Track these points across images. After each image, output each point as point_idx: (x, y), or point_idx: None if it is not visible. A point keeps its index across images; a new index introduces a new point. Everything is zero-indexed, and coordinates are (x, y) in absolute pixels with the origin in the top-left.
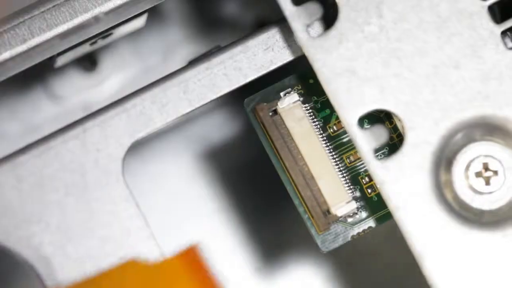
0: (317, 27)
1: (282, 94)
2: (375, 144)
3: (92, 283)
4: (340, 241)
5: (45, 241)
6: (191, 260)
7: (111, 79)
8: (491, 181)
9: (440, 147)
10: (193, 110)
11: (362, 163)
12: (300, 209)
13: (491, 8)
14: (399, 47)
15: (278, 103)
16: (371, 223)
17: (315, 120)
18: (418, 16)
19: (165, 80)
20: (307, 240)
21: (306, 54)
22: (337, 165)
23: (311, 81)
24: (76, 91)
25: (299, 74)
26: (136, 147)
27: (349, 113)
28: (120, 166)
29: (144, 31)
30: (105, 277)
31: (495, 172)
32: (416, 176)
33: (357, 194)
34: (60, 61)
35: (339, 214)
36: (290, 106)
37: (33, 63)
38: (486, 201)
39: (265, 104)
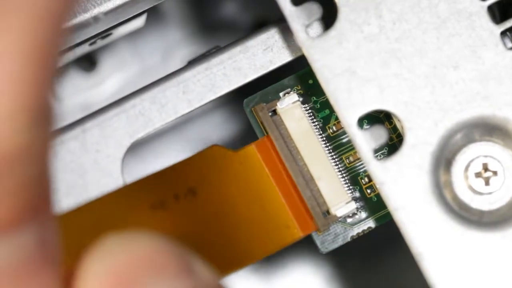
0: (317, 28)
1: (281, 94)
2: (374, 144)
3: (179, 167)
4: (339, 242)
5: None
6: (266, 149)
7: (111, 79)
8: (491, 181)
9: (440, 148)
10: (192, 111)
11: (362, 164)
12: None
13: (490, 8)
14: (399, 47)
15: (278, 103)
16: (370, 223)
17: (314, 120)
18: (417, 16)
19: (165, 81)
20: (306, 240)
21: (306, 54)
22: (336, 165)
23: (310, 81)
24: (75, 92)
25: (299, 75)
26: (136, 148)
27: (349, 114)
28: (119, 166)
29: (143, 31)
30: (189, 162)
31: (495, 173)
32: (415, 176)
33: (357, 194)
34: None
35: (338, 215)
36: (290, 106)
37: None
38: (486, 201)
39: (264, 104)
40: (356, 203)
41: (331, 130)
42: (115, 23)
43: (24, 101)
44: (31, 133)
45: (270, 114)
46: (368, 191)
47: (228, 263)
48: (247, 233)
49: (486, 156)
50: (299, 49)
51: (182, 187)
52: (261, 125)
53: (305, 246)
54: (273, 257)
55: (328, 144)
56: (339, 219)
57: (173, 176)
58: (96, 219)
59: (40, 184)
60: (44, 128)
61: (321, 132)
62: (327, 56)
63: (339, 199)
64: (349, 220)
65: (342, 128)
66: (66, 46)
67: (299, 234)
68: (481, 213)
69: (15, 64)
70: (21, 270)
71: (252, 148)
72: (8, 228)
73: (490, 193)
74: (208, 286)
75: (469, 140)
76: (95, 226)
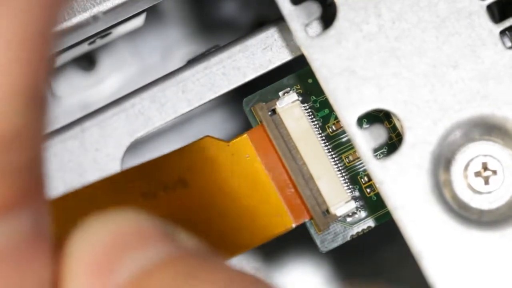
0: (316, 27)
1: (281, 93)
2: (374, 143)
3: (170, 157)
4: (339, 241)
5: None
6: (259, 138)
7: (110, 78)
8: (490, 180)
9: (439, 147)
10: (192, 110)
11: (361, 163)
12: None
13: (489, 8)
14: (398, 46)
15: (277, 103)
16: (370, 222)
17: (314, 119)
18: (416, 15)
19: (164, 80)
20: (306, 239)
21: (305, 53)
22: (336, 164)
23: (310, 80)
24: (75, 91)
25: (298, 74)
26: (135, 147)
27: (348, 113)
28: (118, 166)
29: (143, 30)
30: (181, 152)
31: (494, 172)
32: (415, 175)
33: (356, 193)
34: (59, 61)
35: (338, 214)
36: (289, 105)
37: None
38: (485, 200)
39: (264, 103)
40: (355, 202)
41: (330, 130)
42: (115, 22)
43: (18, 84)
44: (25, 117)
45: (269, 113)
46: (368, 190)
47: (219, 252)
48: (238, 223)
49: (485, 155)
50: (298, 48)
51: (173, 178)
52: (260, 124)
53: (304, 245)
54: (273, 256)
55: (327, 143)
56: (339, 218)
57: (164, 166)
58: (84, 205)
59: (33, 168)
60: (37, 112)
61: (320, 131)
62: (326, 55)
63: (339, 198)
64: (348, 219)
65: (341, 127)
66: (61, 34)
67: (291, 223)
68: (481, 212)
69: (9, 47)
70: (16, 252)
71: (245, 138)
72: (3, 211)
73: (489, 192)
74: (192, 251)
75: (468, 139)
76: (82, 213)
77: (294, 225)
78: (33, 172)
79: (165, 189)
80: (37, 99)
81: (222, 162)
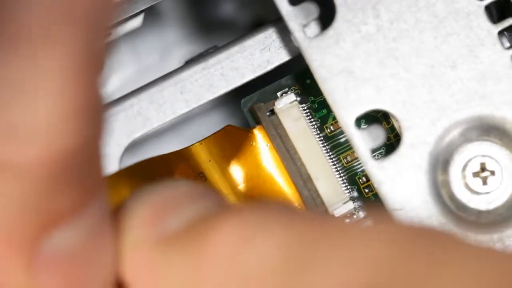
0: (314, 27)
1: (279, 94)
2: (372, 144)
3: (198, 148)
4: None
5: None
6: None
7: (108, 79)
8: (488, 181)
9: (437, 147)
10: (190, 110)
11: (359, 163)
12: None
13: (488, 8)
14: (396, 47)
15: (275, 103)
16: (368, 223)
17: (312, 120)
18: (414, 16)
19: (162, 80)
20: None
21: (303, 54)
22: (334, 165)
23: (308, 81)
24: None
25: (296, 74)
26: (133, 147)
27: (346, 113)
28: (117, 166)
29: (141, 31)
30: (206, 143)
31: (492, 172)
32: (413, 176)
33: (355, 194)
34: None
35: (336, 215)
36: (287, 106)
37: None
38: (483, 201)
39: (262, 104)
40: (354, 203)
41: (328, 130)
42: (113, 23)
43: (77, 101)
44: (86, 131)
45: (267, 114)
46: (366, 190)
47: None
48: None
49: (483, 156)
50: (297, 49)
51: (195, 171)
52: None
53: None
54: None
55: (325, 144)
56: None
57: (186, 159)
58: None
59: (96, 170)
60: (96, 123)
61: (318, 132)
62: (324, 55)
63: (337, 199)
64: (347, 220)
65: (339, 128)
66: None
67: None
68: (479, 213)
69: (63, 67)
70: (90, 247)
71: (261, 128)
72: (76, 214)
73: (487, 192)
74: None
75: (466, 139)
76: None
77: None
78: (96, 173)
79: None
80: (93, 111)
81: (244, 150)
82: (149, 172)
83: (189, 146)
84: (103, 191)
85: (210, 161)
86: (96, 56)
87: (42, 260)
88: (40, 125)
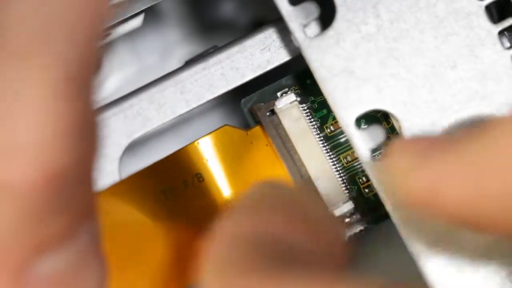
0: (314, 27)
1: (279, 94)
2: (372, 144)
3: (194, 148)
4: None
5: None
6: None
7: (108, 79)
8: None
9: None
10: (190, 110)
11: (359, 163)
12: None
13: (488, 8)
14: (396, 47)
15: (275, 103)
16: (368, 223)
17: (312, 120)
18: (415, 16)
19: (162, 80)
20: None
21: (303, 54)
22: (334, 165)
23: (308, 81)
24: None
25: (296, 74)
26: (133, 147)
27: (346, 113)
28: (117, 166)
29: (141, 31)
30: (203, 143)
31: None
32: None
33: (354, 194)
34: None
35: (336, 214)
36: (287, 106)
37: None
38: None
39: (262, 104)
40: (353, 202)
41: (328, 130)
42: (113, 23)
43: (68, 118)
44: (79, 150)
45: (268, 114)
46: (366, 190)
47: None
48: None
49: None
50: (297, 49)
51: (192, 171)
52: (258, 125)
53: None
54: None
55: (325, 144)
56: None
57: (181, 160)
58: (104, 207)
59: (89, 190)
60: (91, 140)
61: (318, 132)
62: (324, 55)
63: (337, 199)
64: (346, 219)
65: (339, 128)
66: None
67: None
68: None
69: (52, 81)
70: (77, 273)
71: (258, 129)
72: (67, 238)
73: None
74: None
75: None
76: (104, 213)
77: None
78: (88, 195)
79: (184, 184)
80: (86, 128)
81: (241, 150)
82: (147, 181)
83: (185, 146)
84: (94, 213)
85: (207, 161)
86: (88, 66)
87: (30, 283)
88: (31, 144)
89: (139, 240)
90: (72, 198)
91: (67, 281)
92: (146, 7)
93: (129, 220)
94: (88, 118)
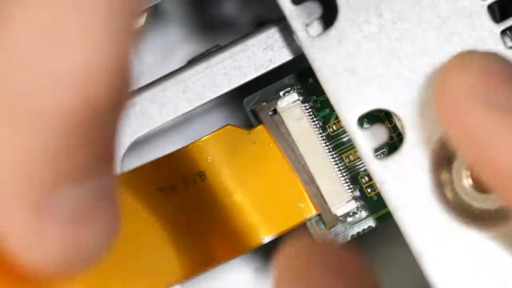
0: (317, 27)
1: (281, 93)
2: (374, 143)
3: (197, 147)
4: (339, 241)
5: None
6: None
7: None
8: None
9: (440, 146)
10: (192, 110)
11: (362, 163)
12: None
13: (490, 8)
14: (399, 46)
15: (278, 103)
16: (370, 222)
17: (314, 119)
18: (417, 15)
19: (165, 80)
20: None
21: (306, 53)
22: (336, 164)
23: (310, 80)
24: None
25: (299, 74)
26: (136, 147)
27: (349, 113)
28: (119, 165)
29: (143, 30)
30: (206, 142)
31: None
32: (416, 175)
33: (357, 193)
34: None
35: (338, 214)
36: (290, 105)
37: None
38: (487, 200)
39: (264, 103)
40: (356, 202)
41: (331, 129)
42: None
43: (108, 59)
44: (116, 88)
45: (270, 113)
46: (369, 190)
47: (240, 244)
48: (260, 212)
49: None
50: (299, 48)
51: (193, 170)
52: (261, 124)
53: None
54: (273, 256)
55: (328, 143)
56: (339, 218)
57: (184, 158)
58: None
59: (112, 139)
60: (127, 85)
61: (321, 131)
62: (327, 55)
63: (339, 198)
64: (349, 219)
65: (342, 127)
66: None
67: (311, 211)
68: (482, 212)
69: (99, 19)
70: (95, 209)
71: (261, 128)
72: (84, 176)
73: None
74: None
75: None
76: None
77: (314, 213)
78: (112, 141)
79: (185, 182)
80: (125, 71)
81: (244, 149)
82: (149, 177)
83: (188, 145)
84: (114, 162)
85: (209, 159)
86: (132, 9)
87: (50, 213)
88: (75, 73)
89: (139, 237)
90: (100, 136)
91: (83, 215)
92: (147, 6)
93: (129, 217)
94: (128, 66)
